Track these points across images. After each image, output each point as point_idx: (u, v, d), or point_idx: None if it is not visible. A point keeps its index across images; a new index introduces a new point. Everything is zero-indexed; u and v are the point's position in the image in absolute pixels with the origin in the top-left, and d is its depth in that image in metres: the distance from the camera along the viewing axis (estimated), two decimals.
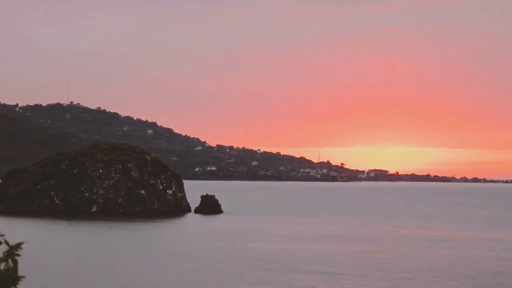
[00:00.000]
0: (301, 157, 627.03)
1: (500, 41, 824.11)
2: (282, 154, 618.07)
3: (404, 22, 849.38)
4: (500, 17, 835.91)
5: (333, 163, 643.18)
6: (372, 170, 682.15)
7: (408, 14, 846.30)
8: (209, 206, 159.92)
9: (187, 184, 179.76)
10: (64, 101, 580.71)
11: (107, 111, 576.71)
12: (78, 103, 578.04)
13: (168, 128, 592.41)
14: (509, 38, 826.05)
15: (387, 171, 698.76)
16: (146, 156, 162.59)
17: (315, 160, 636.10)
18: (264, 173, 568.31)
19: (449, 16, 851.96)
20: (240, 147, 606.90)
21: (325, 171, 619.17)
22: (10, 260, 6.90)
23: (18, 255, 6.88)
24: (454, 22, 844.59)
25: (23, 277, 6.95)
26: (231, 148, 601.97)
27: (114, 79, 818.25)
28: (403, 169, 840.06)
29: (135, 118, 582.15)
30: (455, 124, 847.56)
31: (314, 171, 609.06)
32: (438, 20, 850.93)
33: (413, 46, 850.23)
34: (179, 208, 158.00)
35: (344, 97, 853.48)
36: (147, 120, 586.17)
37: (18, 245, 6.96)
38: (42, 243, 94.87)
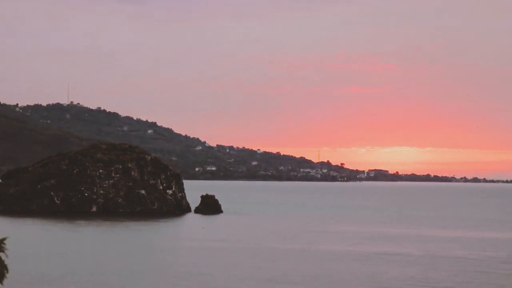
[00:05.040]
0: (301, 157, 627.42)
1: (499, 40, 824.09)
2: (282, 154, 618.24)
3: (398, 22, 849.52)
4: (496, 16, 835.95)
5: (333, 163, 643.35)
6: (372, 170, 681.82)
7: (400, 14, 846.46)
8: (209, 206, 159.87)
9: (187, 184, 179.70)
10: (64, 101, 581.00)
11: (107, 111, 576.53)
12: (78, 103, 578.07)
13: (168, 128, 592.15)
14: (507, 37, 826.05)
15: (387, 171, 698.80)
16: (146, 156, 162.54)
17: (315, 160, 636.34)
18: (264, 173, 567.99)
19: (441, 14, 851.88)
20: (240, 147, 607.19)
21: (325, 171, 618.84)
22: None
23: (2, 250, 6.85)
24: (448, 20, 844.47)
25: (6, 268, 6.93)
26: (231, 148, 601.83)
27: (114, 79, 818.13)
28: (403, 169, 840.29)
29: (135, 118, 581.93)
30: (455, 124, 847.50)
31: (314, 171, 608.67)
32: (432, 19, 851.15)
33: (405, 46, 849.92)
34: (179, 208, 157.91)
35: (343, 97, 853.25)
36: (147, 120, 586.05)
37: (1, 241, 6.96)
38: (42, 243, 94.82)
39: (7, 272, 8.53)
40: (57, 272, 67.49)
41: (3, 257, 8.49)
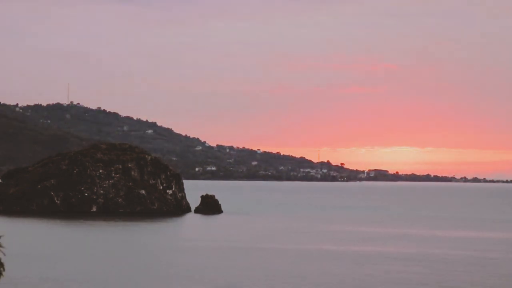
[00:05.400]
0: (301, 157, 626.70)
1: (499, 40, 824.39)
2: (282, 154, 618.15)
3: (396, 23, 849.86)
4: (496, 16, 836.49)
5: (333, 163, 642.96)
6: (372, 170, 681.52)
7: (400, 14, 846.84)
8: (209, 206, 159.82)
9: (187, 184, 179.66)
10: (64, 101, 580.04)
11: (107, 111, 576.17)
12: (78, 103, 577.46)
13: (168, 128, 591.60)
14: (508, 37, 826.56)
15: (387, 171, 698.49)
16: (146, 156, 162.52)
17: (315, 160, 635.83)
18: (264, 173, 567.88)
19: (441, 14, 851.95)
20: (240, 147, 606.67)
21: (325, 171, 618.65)
22: None
23: None
24: (448, 20, 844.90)
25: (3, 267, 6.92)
26: (231, 148, 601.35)
27: (114, 79, 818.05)
28: (403, 169, 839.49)
29: (135, 118, 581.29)
30: (455, 124, 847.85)
31: (314, 171, 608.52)
32: (432, 18, 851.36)
33: (404, 46, 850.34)
34: (179, 208, 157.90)
35: (343, 97, 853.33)
36: (147, 120, 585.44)
37: None
38: (42, 243, 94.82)
39: (4, 270, 8.46)
40: (56, 273, 67.49)
41: (0, 255, 8.44)
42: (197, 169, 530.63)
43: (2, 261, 7.57)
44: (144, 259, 78.77)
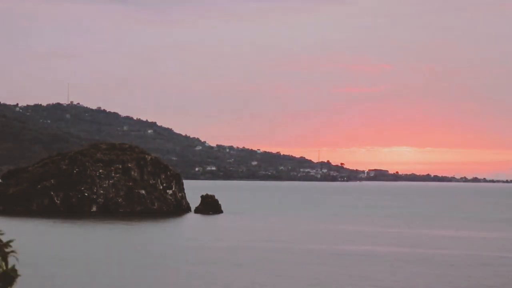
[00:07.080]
0: (301, 157, 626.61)
1: (499, 40, 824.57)
2: (282, 154, 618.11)
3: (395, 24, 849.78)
4: (495, 16, 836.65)
5: (333, 163, 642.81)
6: (372, 170, 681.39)
7: (389, 13, 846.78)
8: (209, 206, 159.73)
9: (187, 184, 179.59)
10: (64, 101, 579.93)
11: (107, 111, 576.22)
12: (78, 103, 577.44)
13: (168, 128, 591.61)
14: (507, 37, 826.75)
15: (387, 171, 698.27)
16: (146, 156, 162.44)
17: (315, 160, 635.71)
18: (264, 173, 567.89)
19: (438, 14, 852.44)
20: (240, 147, 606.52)
21: (325, 171, 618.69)
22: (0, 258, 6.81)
23: (9, 252, 6.77)
24: (446, 20, 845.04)
25: (16, 273, 6.84)
26: (231, 148, 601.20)
27: (114, 79, 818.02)
28: (403, 169, 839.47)
29: (135, 118, 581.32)
30: (455, 124, 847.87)
31: (314, 171, 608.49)
32: (431, 18, 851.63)
33: (403, 46, 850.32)
34: (179, 208, 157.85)
35: (343, 97, 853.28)
36: (147, 120, 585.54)
37: (8, 243, 6.87)
38: (42, 243, 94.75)
39: (17, 276, 8.22)
40: (55, 273, 67.41)
41: (13, 261, 8.20)
42: (197, 169, 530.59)
43: (15, 267, 7.45)
44: (144, 259, 78.66)
